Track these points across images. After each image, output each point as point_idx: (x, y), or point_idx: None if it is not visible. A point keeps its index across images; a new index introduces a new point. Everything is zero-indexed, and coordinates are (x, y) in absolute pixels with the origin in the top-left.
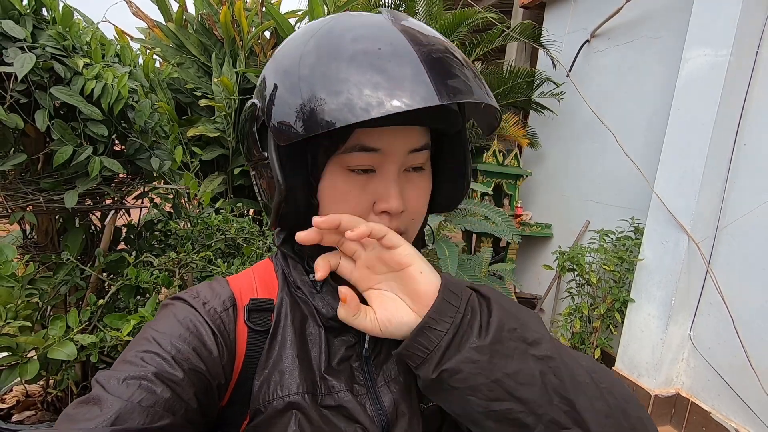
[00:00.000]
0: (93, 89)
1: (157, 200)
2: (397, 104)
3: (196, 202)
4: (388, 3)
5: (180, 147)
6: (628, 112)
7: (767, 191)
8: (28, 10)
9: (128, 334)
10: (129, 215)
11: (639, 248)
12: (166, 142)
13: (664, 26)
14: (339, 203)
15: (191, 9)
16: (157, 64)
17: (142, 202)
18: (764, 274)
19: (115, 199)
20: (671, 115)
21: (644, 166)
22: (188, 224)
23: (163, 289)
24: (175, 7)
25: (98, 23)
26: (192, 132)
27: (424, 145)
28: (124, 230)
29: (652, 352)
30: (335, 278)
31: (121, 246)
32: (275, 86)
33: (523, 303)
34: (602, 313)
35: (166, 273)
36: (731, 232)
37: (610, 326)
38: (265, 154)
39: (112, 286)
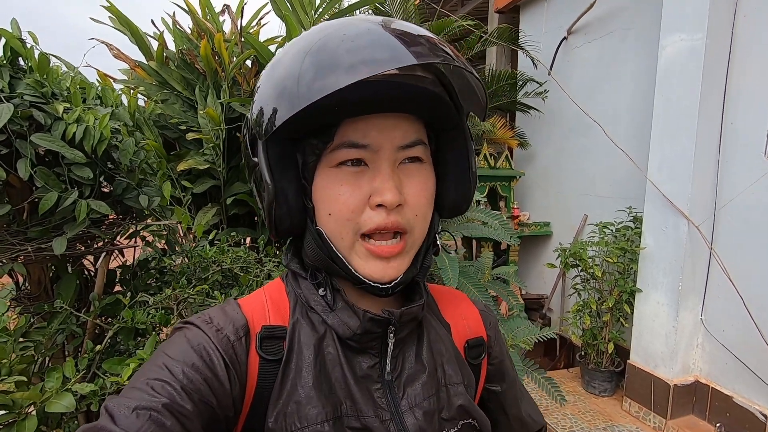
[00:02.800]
0: (74, 133)
1: (150, 238)
2: (368, 69)
3: (191, 236)
4: None
5: (168, 182)
6: (612, 103)
7: (759, 167)
8: (4, 62)
9: (128, 379)
10: (123, 256)
11: (640, 237)
12: (155, 179)
13: (637, 17)
14: (333, 201)
15: (171, 46)
16: (142, 103)
17: (135, 242)
18: (767, 250)
19: (106, 241)
20: (655, 101)
21: (635, 154)
22: (184, 259)
23: (163, 329)
24: (155, 45)
25: (79, 67)
26: (182, 166)
27: (416, 140)
28: (119, 272)
29: (665, 341)
30: (349, 295)
31: (117, 288)
32: (264, 92)
33: (529, 304)
34: (611, 306)
35: (163, 311)
36: (730, 212)
37: (621, 319)
38: (256, 159)
39: (109, 331)
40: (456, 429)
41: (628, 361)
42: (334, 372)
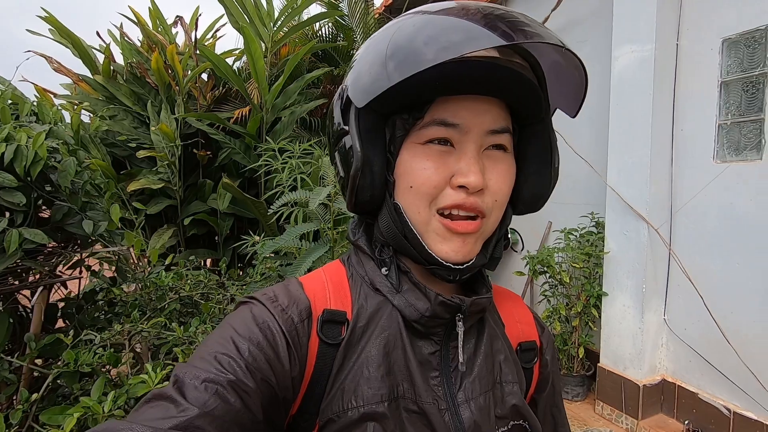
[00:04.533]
0: (3, 153)
1: (96, 267)
2: (470, 47)
3: (146, 260)
4: (324, 34)
5: (116, 205)
6: None
7: (710, 171)
8: None
9: (70, 431)
10: (66, 288)
11: (603, 242)
12: (102, 201)
13: (590, 30)
14: (416, 174)
15: (119, 59)
16: (87, 119)
17: (80, 272)
18: (721, 249)
19: (44, 273)
20: (611, 110)
21: (595, 161)
22: (136, 288)
23: (113, 369)
24: (100, 58)
25: (11, 81)
26: (133, 186)
27: (504, 127)
28: (61, 306)
29: (632, 343)
30: (418, 275)
31: (60, 324)
32: (368, 57)
33: None
34: (579, 310)
35: (113, 349)
36: (686, 214)
37: (589, 323)
38: (347, 127)
39: (49, 376)
40: (506, 428)
41: (598, 364)
42: (394, 354)
